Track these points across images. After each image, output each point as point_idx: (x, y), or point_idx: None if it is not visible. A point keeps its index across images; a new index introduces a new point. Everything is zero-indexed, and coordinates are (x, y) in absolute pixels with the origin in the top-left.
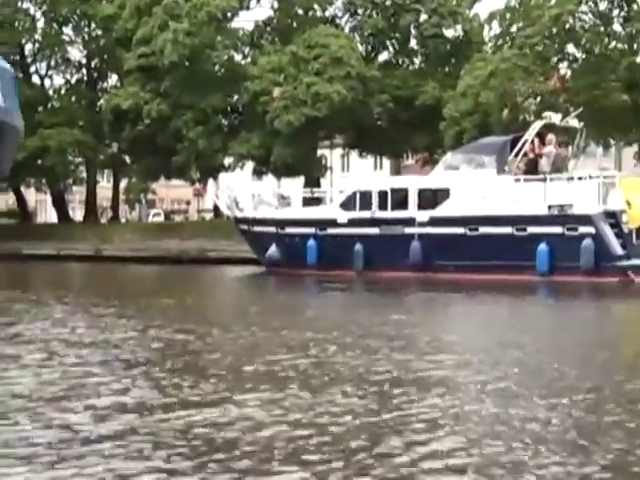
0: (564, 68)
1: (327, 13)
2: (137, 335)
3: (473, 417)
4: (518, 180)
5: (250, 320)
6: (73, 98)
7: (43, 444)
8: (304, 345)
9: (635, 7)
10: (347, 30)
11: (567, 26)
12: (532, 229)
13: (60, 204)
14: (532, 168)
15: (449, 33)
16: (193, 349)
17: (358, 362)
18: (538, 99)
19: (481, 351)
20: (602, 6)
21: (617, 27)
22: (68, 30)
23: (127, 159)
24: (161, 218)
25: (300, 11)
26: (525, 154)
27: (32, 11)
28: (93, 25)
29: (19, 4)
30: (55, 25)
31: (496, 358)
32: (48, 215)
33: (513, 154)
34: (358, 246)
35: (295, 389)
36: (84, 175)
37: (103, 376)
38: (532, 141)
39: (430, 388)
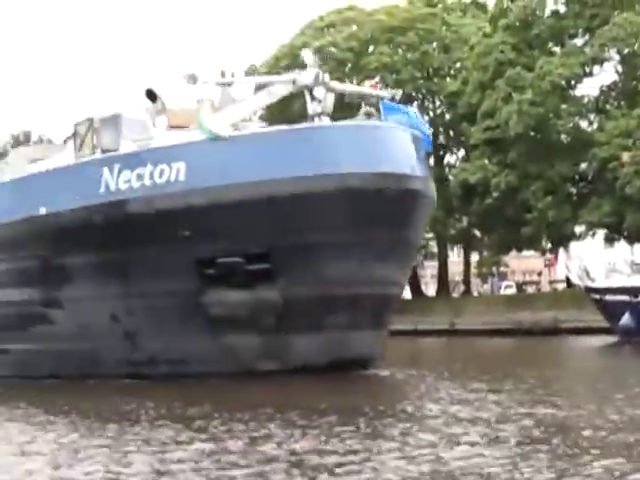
0: None
1: None
2: (514, 412)
3: None
4: None
5: (622, 392)
6: None
7: None
8: None
9: None
10: None
11: None
12: None
13: (413, 279)
14: None
15: None
16: (576, 425)
17: None
18: None
19: None
20: None
21: None
22: (413, 108)
23: (477, 232)
24: (513, 290)
25: None
26: None
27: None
28: (438, 102)
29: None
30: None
31: None
32: None
33: None
34: None
35: None
36: (435, 250)
37: (494, 456)
38: None
39: None
